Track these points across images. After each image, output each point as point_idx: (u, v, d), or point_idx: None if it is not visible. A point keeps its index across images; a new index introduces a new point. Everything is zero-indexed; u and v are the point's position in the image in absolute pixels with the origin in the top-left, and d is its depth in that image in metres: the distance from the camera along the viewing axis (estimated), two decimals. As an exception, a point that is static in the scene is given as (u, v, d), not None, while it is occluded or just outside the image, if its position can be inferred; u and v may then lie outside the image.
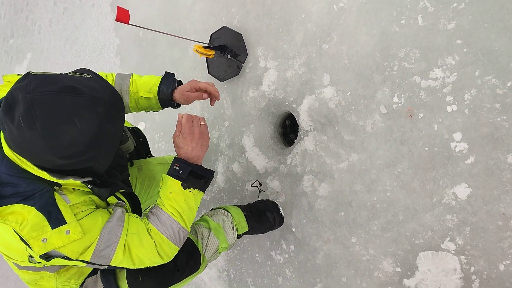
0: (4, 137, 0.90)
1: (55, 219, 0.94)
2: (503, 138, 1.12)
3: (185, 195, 1.21)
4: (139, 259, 1.11)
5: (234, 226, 1.50)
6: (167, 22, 2.27)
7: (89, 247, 1.01)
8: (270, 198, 1.75)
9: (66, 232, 0.95)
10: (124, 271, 1.25)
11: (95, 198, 1.07)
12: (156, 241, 1.14)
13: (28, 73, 0.87)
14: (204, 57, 1.97)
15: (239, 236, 1.55)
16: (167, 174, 1.23)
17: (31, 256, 1.00)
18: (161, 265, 1.20)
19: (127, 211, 1.18)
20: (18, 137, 0.84)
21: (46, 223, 0.93)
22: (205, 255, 1.38)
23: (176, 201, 1.19)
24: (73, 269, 1.22)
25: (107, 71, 2.78)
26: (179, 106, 1.49)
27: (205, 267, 1.41)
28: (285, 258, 1.71)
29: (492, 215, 1.15)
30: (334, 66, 1.49)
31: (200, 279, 2.21)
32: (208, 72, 1.97)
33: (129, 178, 1.39)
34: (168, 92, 1.41)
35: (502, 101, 1.12)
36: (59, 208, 0.95)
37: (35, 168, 0.91)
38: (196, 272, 1.36)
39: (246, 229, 1.59)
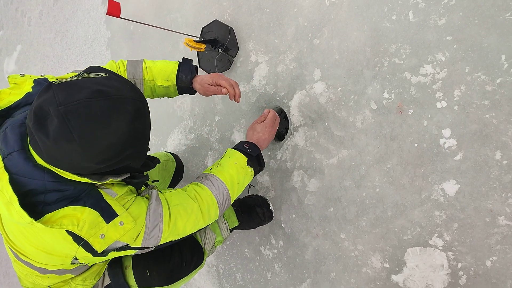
0: (36, 151, 0.87)
1: (108, 213, 0.95)
2: (492, 135, 1.12)
3: (245, 170, 1.26)
4: (184, 228, 1.12)
5: (226, 220, 1.50)
6: (158, 15, 2.24)
7: (139, 232, 1.01)
8: (260, 193, 1.74)
9: (120, 223, 0.96)
10: (131, 266, 1.25)
11: (132, 188, 1.08)
12: (206, 203, 1.16)
13: (50, 84, 0.84)
14: (195, 51, 1.95)
15: (230, 231, 1.56)
16: (233, 148, 1.30)
17: (75, 258, 0.99)
18: (168, 258, 1.21)
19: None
20: (55, 151, 0.82)
21: (101, 218, 0.93)
22: (205, 248, 1.41)
23: (237, 172, 1.24)
24: (92, 269, 1.21)
25: (98, 64, 2.75)
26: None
27: (205, 262, 1.42)
28: (274, 253, 1.70)
29: (479, 212, 1.16)
30: (325, 61, 1.48)
31: (189, 275, 2.19)
32: (199, 66, 1.95)
33: None
34: (188, 79, 1.38)
35: (491, 97, 1.12)
36: (108, 203, 0.96)
37: (75, 176, 0.90)
38: (200, 265, 1.38)
39: (236, 224, 1.60)
